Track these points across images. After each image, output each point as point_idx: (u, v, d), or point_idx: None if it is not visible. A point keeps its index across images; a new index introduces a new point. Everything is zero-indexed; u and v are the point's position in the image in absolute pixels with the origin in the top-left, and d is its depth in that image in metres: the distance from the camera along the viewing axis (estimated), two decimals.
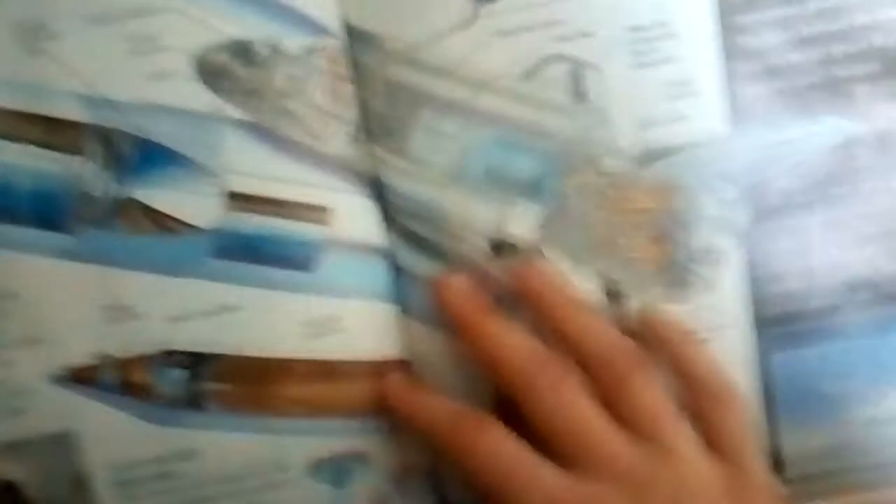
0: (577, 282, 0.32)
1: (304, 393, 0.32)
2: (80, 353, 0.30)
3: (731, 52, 0.31)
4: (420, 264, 0.33)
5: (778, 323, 0.33)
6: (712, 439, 0.30)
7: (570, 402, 0.29)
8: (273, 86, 0.30)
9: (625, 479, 0.28)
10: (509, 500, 0.28)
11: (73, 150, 0.29)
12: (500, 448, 0.29)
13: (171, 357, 0.31)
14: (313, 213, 0.31)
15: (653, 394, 0.29)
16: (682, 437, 0.29)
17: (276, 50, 0.30)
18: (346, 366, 0.32)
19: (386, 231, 0.33)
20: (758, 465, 0.30)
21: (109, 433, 0.31)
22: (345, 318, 0.32)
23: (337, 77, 0.31)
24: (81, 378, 0.31)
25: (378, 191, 0.32)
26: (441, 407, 0.30)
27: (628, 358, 0.30)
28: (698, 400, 0.31)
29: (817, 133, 0.32)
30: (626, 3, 0.31)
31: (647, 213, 0.32)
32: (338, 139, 0.31)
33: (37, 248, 0.30)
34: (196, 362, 0.31)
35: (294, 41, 0.30)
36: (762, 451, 0.32)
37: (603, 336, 0.30)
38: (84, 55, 0.29)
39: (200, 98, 0.30)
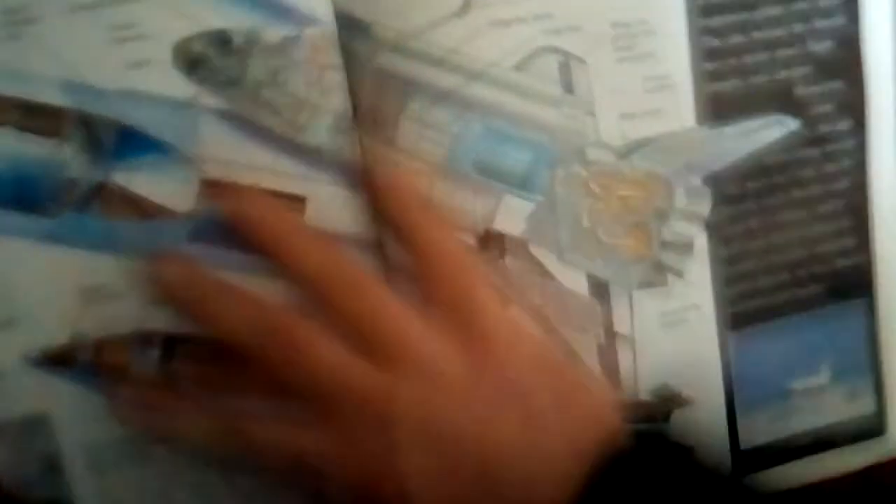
0: (561, 276, 0.33)
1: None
2: (55, 334, 0.31)
3: (701, 51, 0.33)
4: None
5: (735, 302, 0.35)
6: (434, 298, 0.30)
7: (310, 358, 0.29)
8: (250, 75, 0.31)
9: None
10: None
11: (53, 134, 0.30)
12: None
13: (146, 337, 0.31)
14: (288, 202, 0.32)
15: (383, 312, 0.29)
16: (414, 341, 0.29)
17: (253, 40, 0.31)
18: None
19: (372, 221, 0.33)
20: (492, 312, 0.30)
21: (84, 415, 0.32)
22: None
23: (323, 66, 0.32)
24: (56, 359, 0.31)
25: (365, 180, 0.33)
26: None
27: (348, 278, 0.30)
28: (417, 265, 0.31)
29: (765, 128, 0.34)
30: (611, 1, 0.32)
31: (626, 203, 0.33)
32: (316, 130, 0.32)
33: (14, 230, 0.30)
34: (170, 343, 0.32)
35: (274, 32, 0.31)
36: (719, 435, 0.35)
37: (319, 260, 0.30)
38: (65, 41, 0.29)
39: (179, 86, 0.30)
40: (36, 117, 0.30)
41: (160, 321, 0.31)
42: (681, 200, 0.33)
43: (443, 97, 0.32)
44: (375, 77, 0.32)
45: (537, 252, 0.33)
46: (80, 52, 0.30)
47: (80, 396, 0.31)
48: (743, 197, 0.34)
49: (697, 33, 0.32)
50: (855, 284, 0.37)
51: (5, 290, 0.30)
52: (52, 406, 0.31)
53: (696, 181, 0.33)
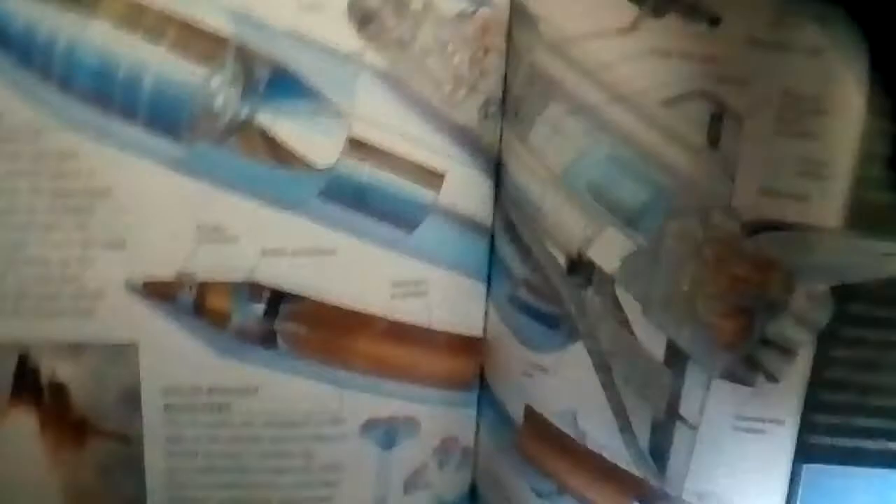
0: (640, 331, 0.30)
1: (376, 350, 0.32)
2: (163, 266, 0.30)
3: (871, 152, 0.28)
4: (508, 254, 0.33)
5: (820, 432, 0.30)
6: None
7: None
8: (419, 41, 0.30)
9: None
10: None
11: (207, 61, 0.28)
12: None
13: (255, 289, 0.30)
14: (427, 175, 0.31)
15: None
16: None
17: (430, 7, 0.29)
18: (423, 332, 0.32)
19: (492, 211, 0.33)
20: None
21: (172, 354, 0.30)
22: (431, 284, 0.32)
23: (486, 48, 0.30)
24: (158, 292, 0.30)
25: (496, 170, 0.32)
26: None
27: None
28: None
29: None
30: (788, 66, 0.28)
31: (736, 283, 0.29)
32: (468, 109, 0.31)
33: (144, 150, 0.29)
34: (277, 299, 0.30)
35: (452, 3, 0.29)
36: None
37: None
38: None
39: (347, 38, 0.29)
40: (194, 40, 0.28)
41: (271, 275, 0.30)
42: (799, 302, 0.29)
43: (581, 109, 0.30)
44: (529, 70, 0.31)
45: (623, 297, 0.30)
46: None
47: (173, 334, 0.30)
48: (864, 321, 0.29)
49: (873, 132, 0.28)
50: None
51: (120, 208, 0.29)
52: (143, 338, 0.30)
53: (823, 287, 0.29)
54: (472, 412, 0.35)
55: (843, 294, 0.29)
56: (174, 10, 0.28)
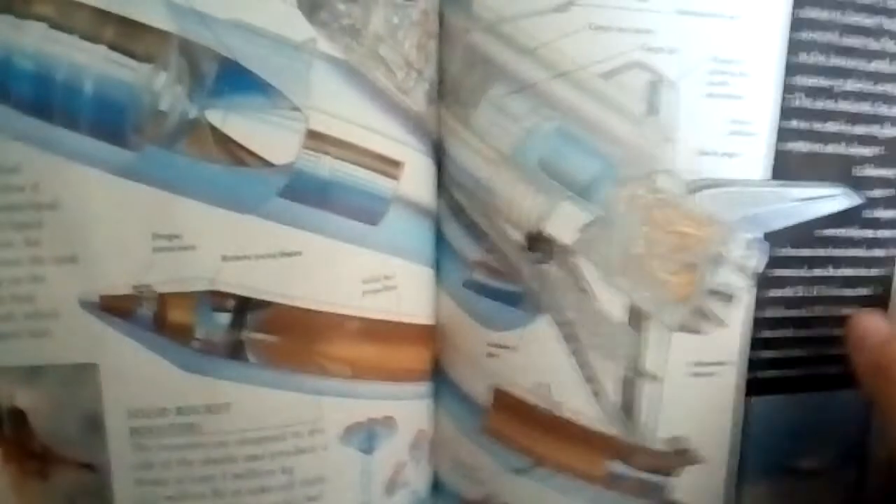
0: (602, 296, 0.31)
1: (350, 352, 0.30)
2: (119, 280, 0.28)
3: (788, 107, 0.31)
4: (459, 238, 0.32)
5: (761, 367, 0.33)
6: None
7: None
8: (370, 27, 0.29)
9: None
10: None
11: (149, 58, 0.27)
12: None
13: (218, 299, 0.29)
14: (388, 165, 0.30)
15: None
16: None
17: None
18: (393, 327, 0.31)
19: (436, 197, 0.32)
20: None
21: (135, 373, 0.29)
22: (399, 278, 0.31)
23: (425, 33, 0.30)
24: (115, 308, 0.28)
25: (438, 155, 0.32)
26: None
27: None
28: None
29: (828, 198, 0.32)
30: (713, 32, 0.30)
31: (684, 239, 0.31)
32: (417, 95, 0.30)
33: (91, 158, 0.27)
34: (243, 308, 0.29)
35: None
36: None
37: None
38: None
39: (296, 26, 0.28)
40: (133, 38, 0.27)
41: (235, 283, 0.29)
42: (736, 250, 0.31)
43: (524, 88, 0.31)
44: (465, 53, 0.31)
45: (583, 266, 0.31)
46: None
47: (134, 353, 0.28)
48: (792, 262, 0.32)
49: (788, 88, 0.31)
50: None
51: (70, 222, 0.27)
52: (103, 358, 0.28)
53: (756, 235, 0.32)
54: (431, 402, 0.34)
55: (772, 239, 0.32)
56: (110, 6, 0.26)
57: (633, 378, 0.32)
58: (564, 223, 0.31)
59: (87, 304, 0.28)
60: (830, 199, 0.32)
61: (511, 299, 0.32)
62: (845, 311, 0.32)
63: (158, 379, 0.29)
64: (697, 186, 0.31)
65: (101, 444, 0.29)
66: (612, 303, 0.31)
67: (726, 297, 0.32)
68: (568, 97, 0.31)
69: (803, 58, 0.31)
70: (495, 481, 0.34)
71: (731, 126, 0.31)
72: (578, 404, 0.32)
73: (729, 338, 0.32)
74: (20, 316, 0.28)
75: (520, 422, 0.33)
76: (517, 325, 0.32)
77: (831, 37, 0.31)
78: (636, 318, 0.32)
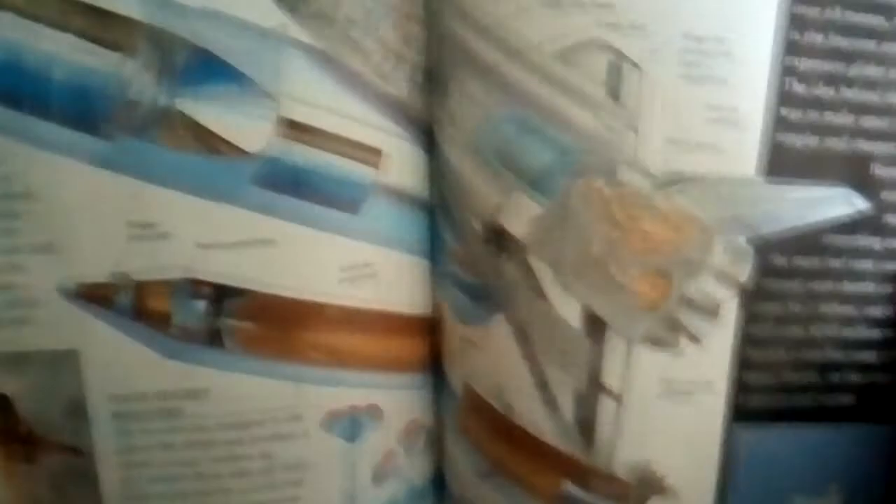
0: (555, 298, 0.29)
1: (329, 340, 0.30)
2: (96, 268, 0.28)
3: (780, 93, 0.27)
4: (444, 228, 0.31)
5: (752, 390, 0.29)
6: None
7: None
8: (343, 12, 0.28)
9: None
10: None
11: (119, 47, 0.27)
12: None
13: (195, 286, 0.29)
14: (366, 153, 0.29)
15: None
16: None
17: None
18: (375, 316, 0.31)
19: (429, 185, 0.31)
20: None
21: (115, 360, 0.29)
22: (379, 266, 0.30)
23: (407, 16, 0.29)
24: (94, 296, 0.28)
25: (429, 142, 0.31)
26: None
27: None
28: None
29: (831, 200, 0.28)
30: (688, 5, 0.26)
31: (650, 241, 0.28)
32: (397, 80, 0.29)
33: (65, 148, 0.27)
34: (220, 296, 0.29)
35: None
36: None
37: None
38: None
39: (268, 14, 0.27)
40: (102, 26, 0.27)
41: (211, 271, 0.29)
42: (718, 257, 0.27)
43: (483, 72, 0.29)
44: (441, 35, 0.30)
45: (535, 263, 0.29)
46: None
47: (113, 340, 0.29)
48: (788, 273, 0.28)
49: (781, 71, 0.27)
50: (889, 407, 0.30)
51: (47, 211, 0.28)
52: (84, 345, 0.29)
53: (741, 240, 0.27)
54: (429, 393, 0.34)
55: (764, 246, 0.27)
56: None
57: (588, 393, 0.29)
58: (516, 215, 0.29)
59: (65, 292, 0.28)
60: (835, 202, 0.28)
61: (475, 293, 0.31)
62: (850, 332, 0.28)
63: (139, 365, 0.29)
64: (669, 181, 0.27)
65: (86, 428, 0.29)
66: (565, 307, 0.28)
67: (706, 309, 0.28)
68: (521, 79, 0.28)
69: (808, 37, 0.27)
70: (465, 482, 0.33)
71: (711, 114, 0.27)
72: (533, 415, 0.30)
73: (711, 356, 0.28)
74: (1, 304, 0.28)
75: (484, 423, 0.32)
76: (480, 322, 0.31)
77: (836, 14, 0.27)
78: (594, 326, 0.28)
